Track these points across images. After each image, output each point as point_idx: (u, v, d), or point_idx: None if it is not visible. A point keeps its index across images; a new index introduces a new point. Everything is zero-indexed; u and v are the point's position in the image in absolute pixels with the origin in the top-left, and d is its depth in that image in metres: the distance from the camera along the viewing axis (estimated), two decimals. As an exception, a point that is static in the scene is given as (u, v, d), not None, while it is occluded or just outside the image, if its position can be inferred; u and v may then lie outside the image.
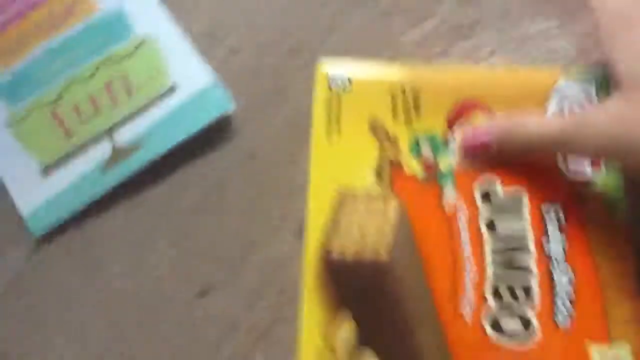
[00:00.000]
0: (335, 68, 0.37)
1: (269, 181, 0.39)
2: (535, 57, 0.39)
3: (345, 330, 0.31)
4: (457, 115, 0.35)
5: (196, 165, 0.40)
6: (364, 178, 0.34)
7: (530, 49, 0.40)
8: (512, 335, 0.31)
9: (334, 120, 0.36)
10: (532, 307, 0.31)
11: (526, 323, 0.31)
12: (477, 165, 0.33)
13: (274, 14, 0.43)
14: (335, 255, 0.29)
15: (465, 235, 0.33)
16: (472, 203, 0.33)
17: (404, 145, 0.35)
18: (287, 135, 0.40)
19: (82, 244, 0.39)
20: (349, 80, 0.36)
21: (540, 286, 0.31)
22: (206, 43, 0.42)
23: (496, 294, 0.31)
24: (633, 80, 0.29)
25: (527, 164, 0.33)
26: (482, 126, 0.33)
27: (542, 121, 0.31)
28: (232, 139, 0.40)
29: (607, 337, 0.30)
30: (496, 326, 0.31)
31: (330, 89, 0.36)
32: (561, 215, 0.32)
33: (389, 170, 0.34)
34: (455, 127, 0.35)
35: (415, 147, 0.35)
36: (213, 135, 0.40)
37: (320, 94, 0.36)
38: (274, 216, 0.38)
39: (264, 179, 0.39)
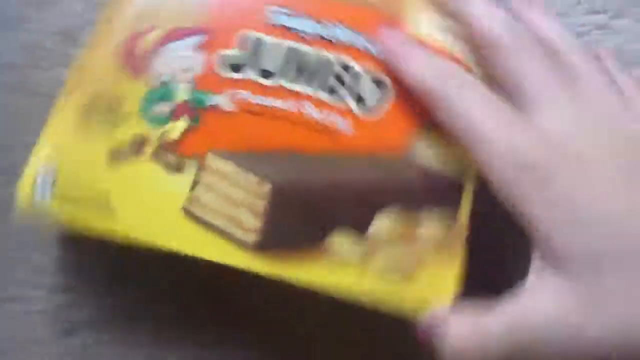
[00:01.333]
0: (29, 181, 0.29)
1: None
2: None
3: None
4: (129, 56, 0.31)
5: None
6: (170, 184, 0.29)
7: None
8: (375, 96, 0.31)
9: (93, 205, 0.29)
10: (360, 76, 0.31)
11: (372, 78, 0.31)
12: None
13: None
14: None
15: (272, 101, 0.31)
16: (240, 83, 0.31)
17: (151, 130, 0.30)
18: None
19: None
20: (49, 165, 0.29)
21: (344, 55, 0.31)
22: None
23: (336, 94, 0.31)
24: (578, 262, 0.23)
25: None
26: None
27: None
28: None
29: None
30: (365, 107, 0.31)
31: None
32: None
33: (172, 154, 0.30)
34: (140, 64, 0.31)
35: (157, 119, 0.30)
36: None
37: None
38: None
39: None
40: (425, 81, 0.28)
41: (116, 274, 0.34)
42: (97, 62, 0.30)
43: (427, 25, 0.32)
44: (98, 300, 0.34)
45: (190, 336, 0.34)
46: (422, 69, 0.29)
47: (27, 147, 0.30)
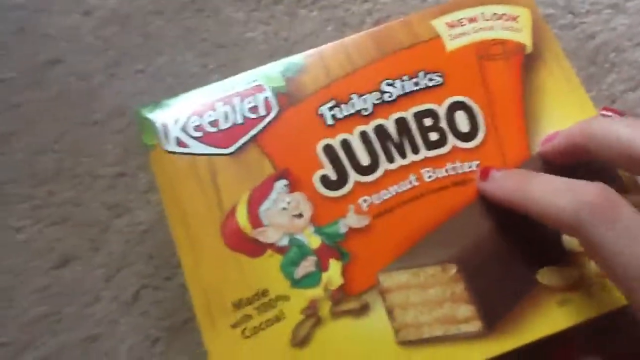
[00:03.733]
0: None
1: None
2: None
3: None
4: (236, 241, 0.28)
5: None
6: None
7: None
8: (466, 120, 0.30)
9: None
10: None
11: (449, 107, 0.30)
12: None
13: None
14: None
15: (392, 190, 0.29)
16: (353, 194, 0.29)
17: (312, 293, 0.28)
18: None
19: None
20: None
21: (412, 107, 0.30)
22: None
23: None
24: None
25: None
26: None
27: None
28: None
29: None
30: (466, 135, 0.30)
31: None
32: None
33: (349, 301, 0.27)
34: (252, 243, 0.28)
35: (310, 280, 0.28)
36: None
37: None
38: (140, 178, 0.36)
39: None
40: None
41: None
42: (210, 271, 0.28)
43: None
44: None
45: None
46: None
47: None
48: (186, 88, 0.31)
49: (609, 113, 0.29)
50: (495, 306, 0.27)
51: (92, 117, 0.39)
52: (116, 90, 0.39)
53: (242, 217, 0.28)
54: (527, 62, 0.31)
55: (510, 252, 0.27)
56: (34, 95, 0.39)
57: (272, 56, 0.39)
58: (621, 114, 0.29)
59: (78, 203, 0.37)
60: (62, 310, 0.35)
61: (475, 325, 0.26)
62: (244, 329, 0.27)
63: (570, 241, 0.28)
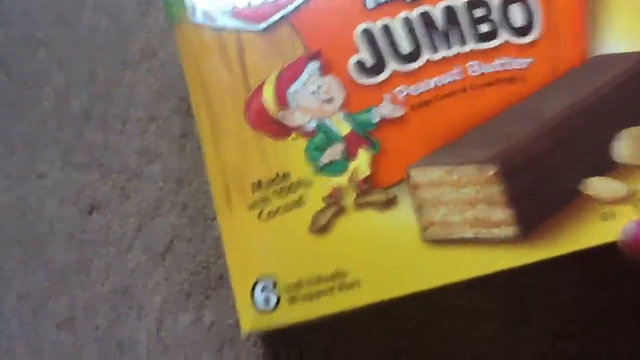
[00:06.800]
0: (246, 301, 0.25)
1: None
2: None
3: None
4: (260, 121, 0.26)
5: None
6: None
7: None
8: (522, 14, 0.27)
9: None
10: None
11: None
12: None
13: None
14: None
15: (433, 81, 0.26)
16: (390, 82, 0.26)
17: (337, 181, 0.26)
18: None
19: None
20: (259, 276, 0.25)
21: None
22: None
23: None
24: None
25: None
26: None
27: None
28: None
29: None
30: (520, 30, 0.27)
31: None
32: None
33: (375, 193, 0.26)
34: (277, 124, 0.26)
35: (335, 167, 0.26)
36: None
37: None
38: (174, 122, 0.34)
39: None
40: None
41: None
42: (231, 150, 0.26)
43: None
44: None
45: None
46: None
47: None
48: None
49: None
50: (533, 212, 0.25)
51: (122, 57, 0.36)
52: (148, 30, 0.36)
53: (268, 97, 0.27)
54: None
55: (554, 158, 0.25)
56: (62, 34, 0.36)
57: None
58: None
59: (108, 147, 0.35)
60: (91, 260, 0.33)
61: (509, 230, 0.24)
62: (260, 211, 0.25)
63: (620, 153, 0.25)
